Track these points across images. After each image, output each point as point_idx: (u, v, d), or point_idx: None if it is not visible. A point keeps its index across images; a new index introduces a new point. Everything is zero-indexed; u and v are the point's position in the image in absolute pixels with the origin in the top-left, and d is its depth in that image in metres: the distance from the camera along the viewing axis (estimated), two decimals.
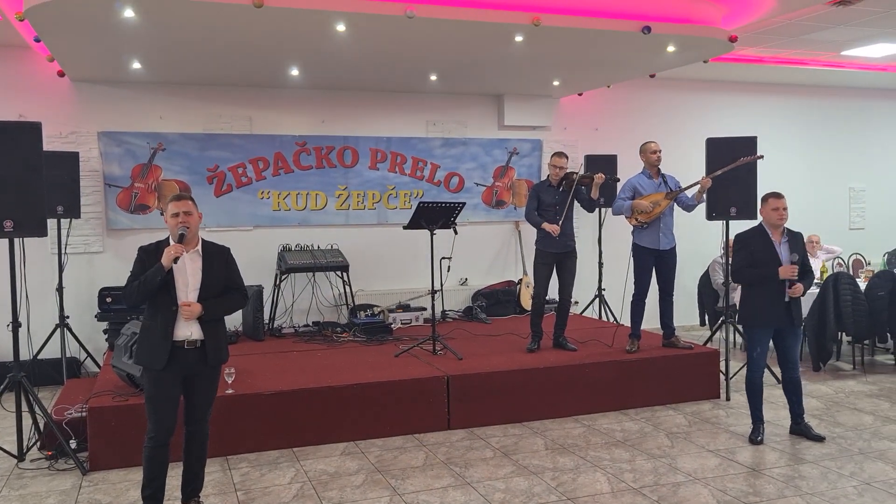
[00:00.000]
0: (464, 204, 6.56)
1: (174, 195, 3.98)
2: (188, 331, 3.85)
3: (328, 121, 8.15)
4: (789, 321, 5.13)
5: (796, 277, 5.04)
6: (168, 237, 3.91)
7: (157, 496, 3.93)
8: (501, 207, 8.84)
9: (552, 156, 6.45)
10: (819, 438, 5.22)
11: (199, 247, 3.96)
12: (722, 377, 6.41)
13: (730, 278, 6.92)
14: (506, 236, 8.92)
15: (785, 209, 5.09)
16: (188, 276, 3.87)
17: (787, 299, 5.09)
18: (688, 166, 7.54)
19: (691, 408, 6.09)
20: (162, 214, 7.41)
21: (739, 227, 7.00)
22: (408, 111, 8.45)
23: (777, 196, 5.11)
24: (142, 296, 3.82)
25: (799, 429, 5.35)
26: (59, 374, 6.76)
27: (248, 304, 7.22)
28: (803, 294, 5.12)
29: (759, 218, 5.31)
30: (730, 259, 7.09)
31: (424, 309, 8.05)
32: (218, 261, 4.00)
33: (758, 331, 5.21)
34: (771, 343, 5.26)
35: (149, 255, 3.86)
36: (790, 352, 5.23)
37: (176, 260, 3.77)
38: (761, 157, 6.19)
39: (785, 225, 5.15)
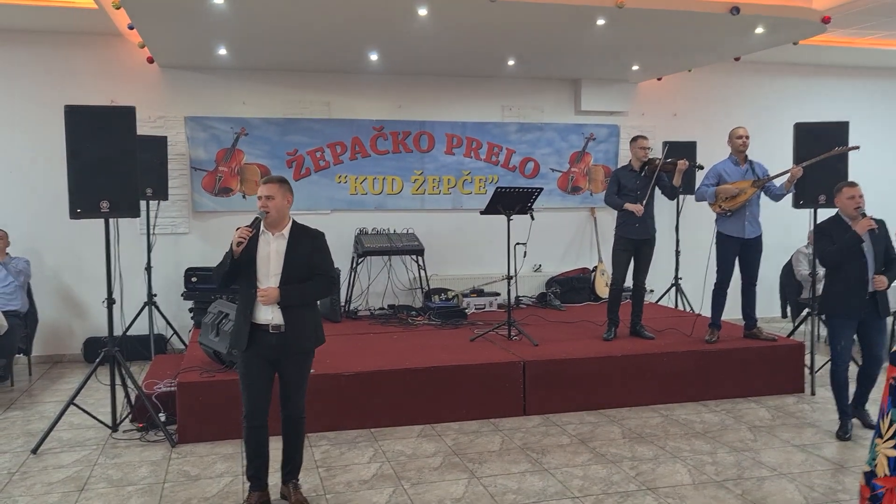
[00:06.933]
0: (541, 189, 6.53)
1: (265, 178, 3.95)
2: (269, 315, 3.82)
3: (404, 106, 8.19)
4: (874, 311, 4.97)
5: (875, 227, 4.88)
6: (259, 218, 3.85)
7: (259, 475, 3.93)
8: (577, 193, 8.74)
9: (638, 138, 6.35)
10: (872, 426, 5.00)
11: (287, 230, 3.87)
12: (807, 371, 6.21)
13: (816, 269, 6.70)
14: (581, 223, 8.82)
15: (861, 197, 4.96)
16: (270, 261, 3.82)
17: (870, 289, 4.94)
18: (771, 153, 7.28)
19: (774, 401, 5.92)
20: (244, 197, 7.70)
21: (828, 215, 6.81)
22: (483, 96, 8.42)
23: (851, 185, 5.01)
24: (219, 278, 3.85)
25: (857, 413, 5.20)
26: (146, 350, 7.04)
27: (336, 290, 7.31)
28: (888, 286, 4.95)
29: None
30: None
31: (498, 294, 8.04)
32: (304, 245, 3.87)
33: (840, 321, 5.04)
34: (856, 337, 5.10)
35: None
36: (875, 347, 5.05)
37: (240, 244, 3.71)
38: (857, 147, 5.94)
39: (867, 212, 4.97)
